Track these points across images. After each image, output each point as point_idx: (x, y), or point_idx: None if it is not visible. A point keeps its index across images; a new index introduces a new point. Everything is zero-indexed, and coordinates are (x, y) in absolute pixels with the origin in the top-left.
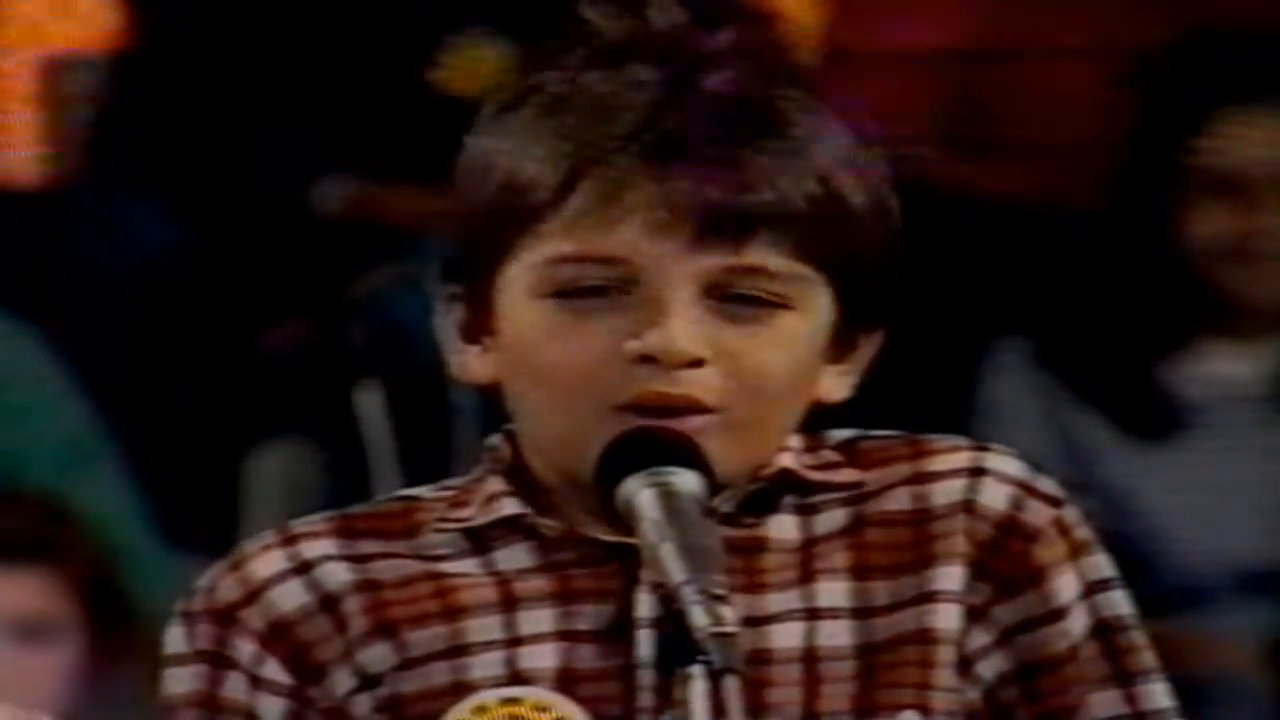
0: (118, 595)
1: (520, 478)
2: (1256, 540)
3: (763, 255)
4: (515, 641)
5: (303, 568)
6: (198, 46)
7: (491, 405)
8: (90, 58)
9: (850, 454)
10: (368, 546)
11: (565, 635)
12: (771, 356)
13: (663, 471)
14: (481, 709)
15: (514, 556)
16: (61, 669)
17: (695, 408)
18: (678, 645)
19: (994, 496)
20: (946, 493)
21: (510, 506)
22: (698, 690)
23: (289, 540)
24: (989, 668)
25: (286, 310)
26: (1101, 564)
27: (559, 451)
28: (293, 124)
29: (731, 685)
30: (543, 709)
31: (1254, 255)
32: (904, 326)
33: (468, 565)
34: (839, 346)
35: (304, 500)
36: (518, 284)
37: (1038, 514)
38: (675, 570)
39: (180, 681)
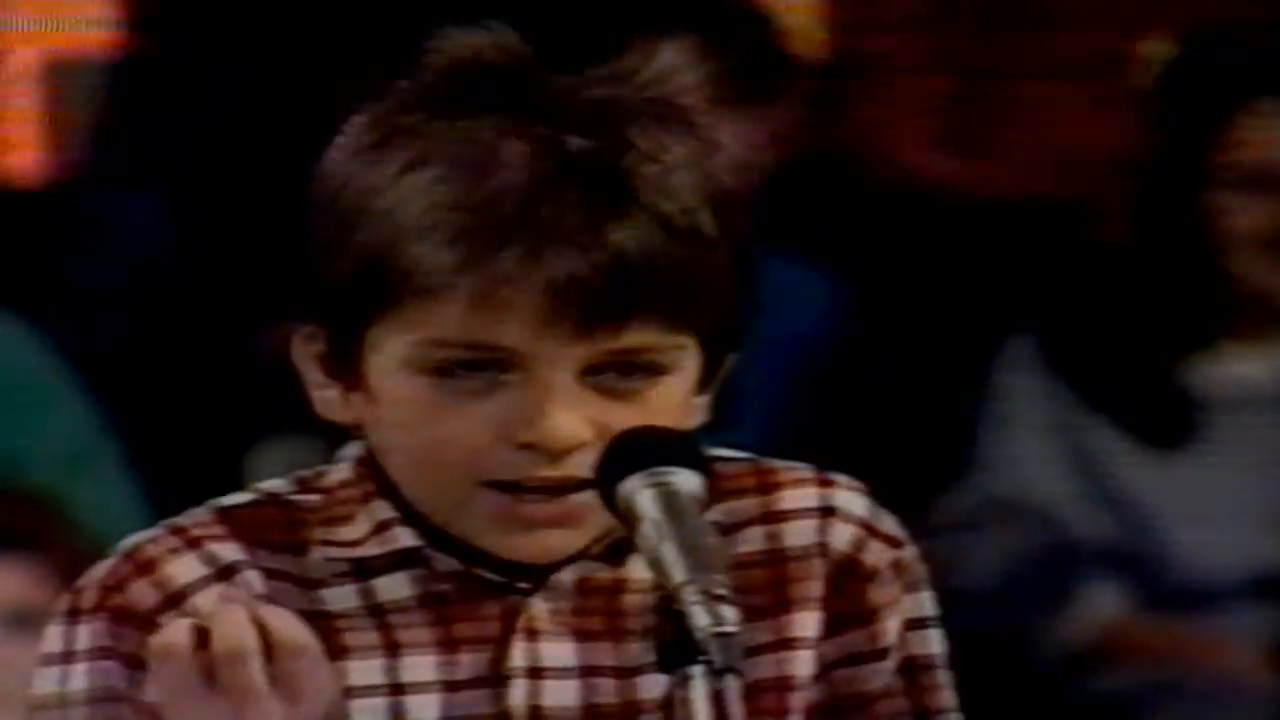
0: None
1: (399, 497)
2: (1266, 544)
3: (641, 335)
4: (398, 689)
5: (223, 573)
6: (197, 47)
7: None
8: (90, 59)
9: None
10: (265, 559)
11: (446, 685)
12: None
13: (662, 471)
14: None
15: (395, 587)
16: None
17: (578, 486)
18: (679, 645)
19: (839, 537)
20: (799, 534)
21: (406, 538)
22: (699, 691)
23: (194, 541)
24: (803, 698)
25: (286, 308)
26: (924, 603)
27: (428, 509)
28: (291, 124)
29: (732, 685)
30: None
31: None
32: (913, 329)
33: (348, 597)
34: (702, 384)
35: None
36: (390, 354)
37: (878, 555)
38: (676, 570)
39: (79, 678)
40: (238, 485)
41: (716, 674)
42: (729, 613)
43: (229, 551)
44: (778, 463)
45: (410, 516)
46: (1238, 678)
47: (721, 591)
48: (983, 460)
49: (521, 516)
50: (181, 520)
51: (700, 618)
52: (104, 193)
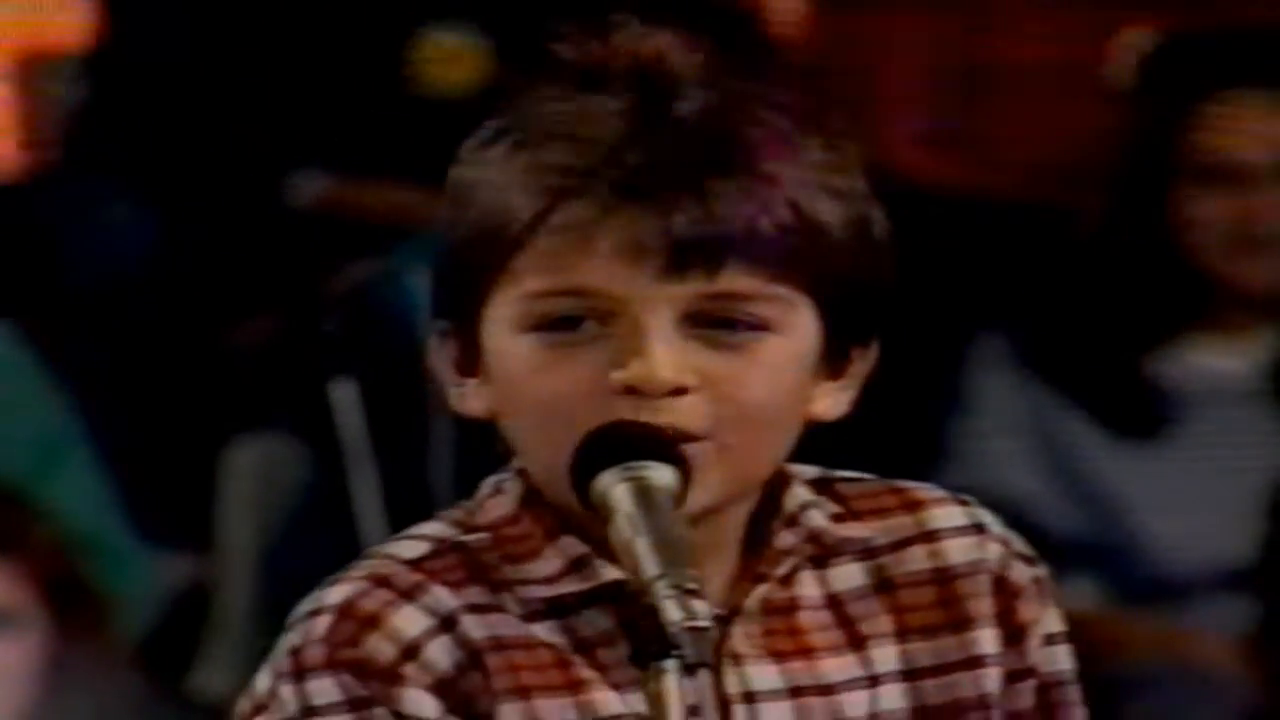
0: (82, 588)
1: (585, 530)
2: (1238, 535)
3: (736, 280)
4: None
5: (447, 624)
6: (173, 42)
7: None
8: (66, 54)
9: (839, 501)
10: (476, 597)
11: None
12: (758, 382)
13: (637, 466)
14: None
15: (595, 622)
16: (25, 660)
17: (683, 436)
18: (652, 640)
19: (992, 553)
20: (961, 551)
21: (609, 572)
22: (671, 685)
23: (406, 593)
24: (998, 716)
25: (262, 304)
26: (1055, 619)
27: (555, 486)
28: (267, 118)
29: (704, 680)
30: None
31: (1252, 240)
32: (884, 324)
33: (554, 632)
34: (831, 364)
35: (279, 495)
36: (500, 319)
37: (1020, 572)
38: (649, 564)
39: None
40: (213, 481)
41: (688, 668)
42: (701, 607)
43: (444, 599)
44: (906, 482)
45: (604, 549)
46: (1211, 669)
47: (693, 586)
48: (955, 454)
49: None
50: (376, 570)
51: (672, 612)
52: (79, 187)
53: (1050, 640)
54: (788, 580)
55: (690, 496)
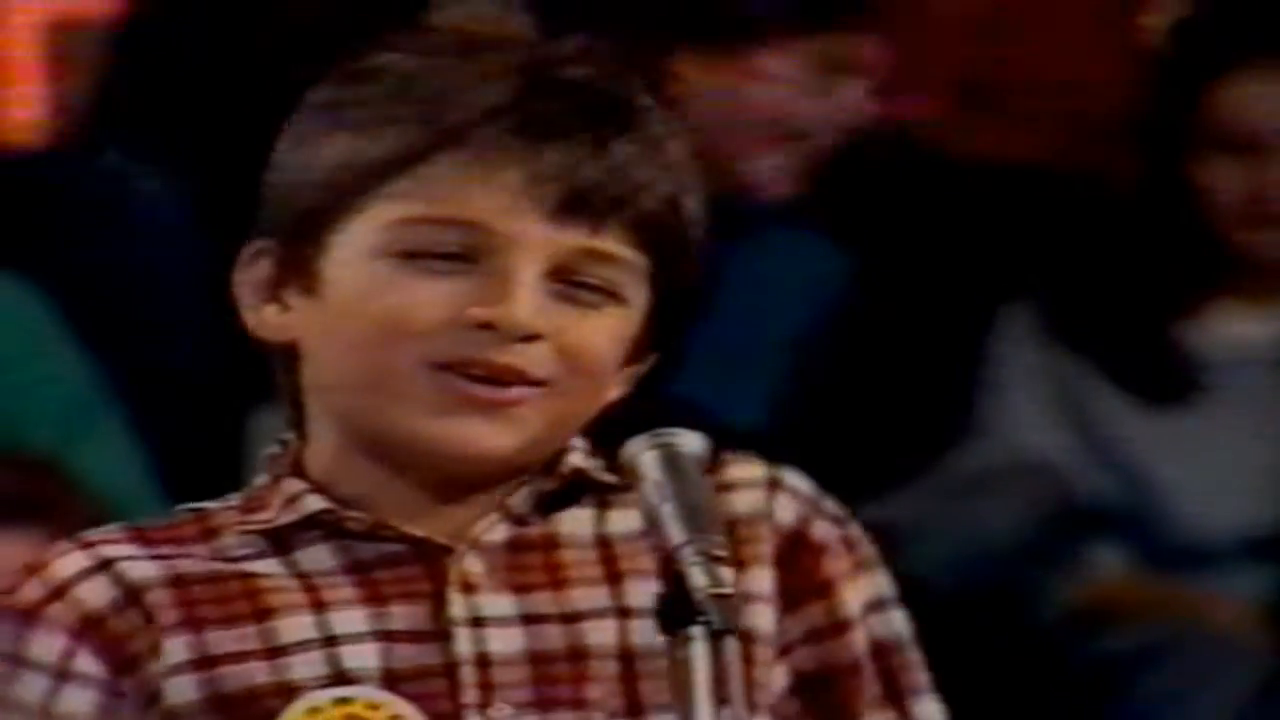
0: None
1: (315, 478)
2: (1264, 503)
3: (614, 242)
4: (332, 640)
5: (104, 564)
6: (202, 11)
7: None
8: (95, 21)
9: None
10: (166, 550)
11: (382, 635)
12: (599, 344)
13: (666, 433)
14: (315, 710)
15: (316, 557)
16: None
17: (523, 379)
18: (677, 606)
19: (785, 509)
20: (747, 502)
21: (315, 503)
22: (699, 651)
23: (88, 544)
24: (766, 652)
25: None
26: (882, 583)
27: (361, 410)
28: (297, 89)
29: (731, 646)
30: (374, 707)
31: (1267, 212)
32: (913, 290)
33: (270, 566)
34: (633, 352)
35: None
36: (356, 243)
37: (825, 530)
38: (675, 531)
39: None
40: (242, 447)
41: (715, 635)
42: (727, 574)
43: (116, 550)
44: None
45: (318, 485)
46: (1235, 636)
47: (720, 552)
48: (983, 423)
49: (462, 396)
50: (91, 531)
51: (699, 578)
52: (108, 155)
53: (877, 606)
54: (547, 517)
55: (502, 438)
